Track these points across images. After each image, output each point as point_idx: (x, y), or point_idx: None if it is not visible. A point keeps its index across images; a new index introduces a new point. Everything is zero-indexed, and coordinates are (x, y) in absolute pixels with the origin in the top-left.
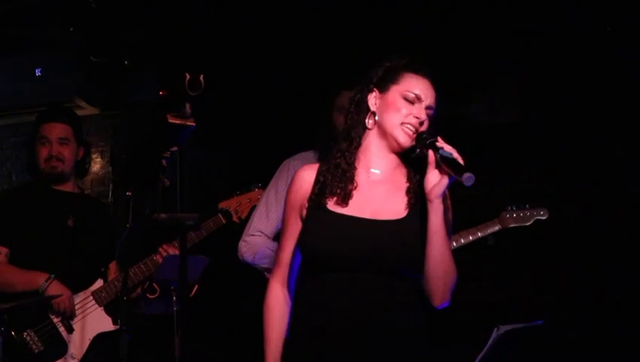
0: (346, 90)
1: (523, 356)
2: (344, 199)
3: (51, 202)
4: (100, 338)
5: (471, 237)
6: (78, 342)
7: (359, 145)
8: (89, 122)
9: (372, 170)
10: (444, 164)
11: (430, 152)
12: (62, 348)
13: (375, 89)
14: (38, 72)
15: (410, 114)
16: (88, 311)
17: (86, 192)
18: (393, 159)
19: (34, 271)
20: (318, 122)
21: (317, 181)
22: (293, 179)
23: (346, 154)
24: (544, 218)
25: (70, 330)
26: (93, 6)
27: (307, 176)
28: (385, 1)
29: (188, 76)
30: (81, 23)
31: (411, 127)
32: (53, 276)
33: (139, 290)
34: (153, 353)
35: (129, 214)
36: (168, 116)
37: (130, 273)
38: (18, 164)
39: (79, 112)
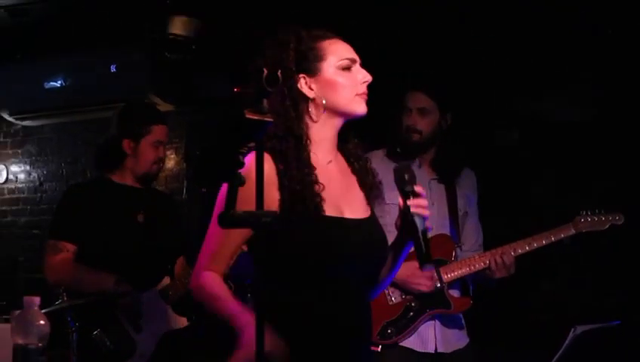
0: (415, 90)
1: (600, 357)
2: (321, 203)
3: (122, 198)
4: (169, 337)
5: (544, 242)
6: (146, 341)
7: (308, 139)
8: None
9: (326, 162)
10: (410, 233)
11: (400, 201)
12: (131, 347)
13: (302, 75)
14: (112, 69)
15: (357, 82)
16: (156, 309)
17: (157, 188)
18: (335, 144)
19: (102, 272)
20: (387, 121)
21: (282, 186)
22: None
23: (302, 154)
24: (620, 223)
25: (139, 329)
26: (169, 2)
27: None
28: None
29: (265, 71)
30: (156, 19)
31: (364, 94)
32: (121, 278)
33: None
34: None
35: (204, 210)
36: (245, 111)
37: None
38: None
39: None
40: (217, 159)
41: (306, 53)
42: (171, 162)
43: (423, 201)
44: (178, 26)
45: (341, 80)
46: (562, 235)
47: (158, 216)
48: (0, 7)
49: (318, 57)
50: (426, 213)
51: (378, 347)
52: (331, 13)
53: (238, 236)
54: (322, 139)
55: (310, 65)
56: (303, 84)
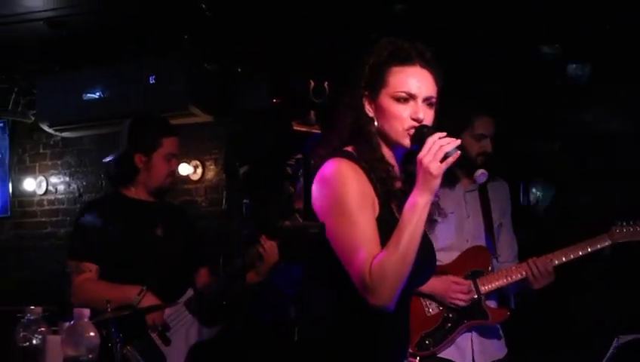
0: (488, 116)
1: None
2: (402, 207)
3: (138, 213)
4: (198, 348)
5: (580, 253)
6: (176, 354)
7: (379, 145)
8: (202, 130)
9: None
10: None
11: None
12: (161, 361)
13: (367, 94)
14: (151, 80)
15: (409, 117)
16: (183, 321)
17: (167, 201)
18: (396, 166)
19: (126, 285)
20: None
21: (372, 180)
22: (354, 174)
23: (377, 155)
24: None
25: (167, 342)
26: (208, 14)
27: (361, 171)
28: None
29: (312, 83)
30: (194, 30)
31: (413, 128)
32: (145, 287)
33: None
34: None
35: (246, 221)
36: (293, 123)
37: (230, 271)
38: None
39: (192, 120)
40: (265, 170)
41: (374, 74)
42: (211, 173)
43: (442, 135)
44: None
45: (392, 111)
46: (598, 246)
47: (176, 229)
48: (39, 20)
49: (381, 82)
50: (455, 142)
51: (416, 358)
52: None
53: (372, 213)
54: (386, 153)
55: (374, 86)
56: (366, 102)
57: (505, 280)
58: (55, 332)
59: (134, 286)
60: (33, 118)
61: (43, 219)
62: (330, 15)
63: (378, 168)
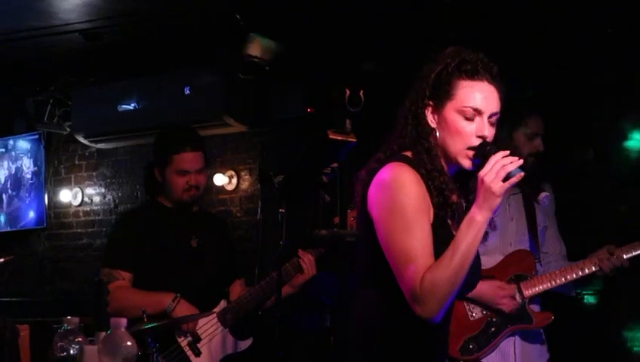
0: (537, 115)
1: None
2: (458, 220)
3: (174, 223)
4: (229, 361)
5: (624, 256)
6: None
7: (438, 156)
8: (237, 140)
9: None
10: (519, 184)
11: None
12: None
13: (431, 103)
14: (186, 91)
15: (473, 134)
16: (214, 332)
17: (207, 210)
18: (452, 180)
19: (160, 292)
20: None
21: (430, 190)
22: (413, 179)
23: (437, 165)
24: None
25: (197, 353)
26: (242, 24)
27: (420, 178)
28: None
29: (348, 92)
30: (229, 41)
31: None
32: (179, 295)
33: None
34: None
35: (282, 231)
36: (329, 132)
37: (262, 283)
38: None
39: (227, 130)
40: (301, 179)
41: (441, 84)
42: (245, 183)
43: (506, 154)
44: (254, 48)
45: (457, 126)
46: (625, 256)
47: (211, 240)
48: (75, 31)
49: (448, 94)
50: (518, 162)
51: None
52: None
53: (429, 221)
54: (446, 162)
55: (439, 98)
56: (429, 112)
57: (549, 284)
58: (92, 343)
59: (168, 294)
60: (68, 130)
61: (79, 230)
62: (364, 23)
63: (437, 178)
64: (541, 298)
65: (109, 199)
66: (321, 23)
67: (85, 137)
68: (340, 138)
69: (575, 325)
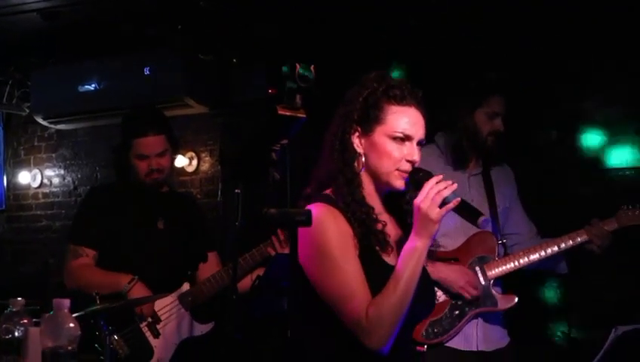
0: (498, 95)
1: None
2: (385, 247)
3: (141, 203)
4: (187, 344)
5: (579, 239)
6: (164, 347)
7: (360, 184)
8: (198, 121)
9: (379, 212)
10: (456, 210)
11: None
12: (148, 353)
13: (358, 128)
14: (146, 71)
15: (403, 158)
16: (174, 315)
17: (176, 190)
18: (381, 204)
19: (118, 273)
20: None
21: (351, 222)
22: (330, 218)
23: (356, 196)
24: None
25: (156, 335)
26: (202, 4)
27: (339, 214)
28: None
29: (298, 67)
30: (189, 21)
31: (406, 172)
32: (136, 277)
33: (247, 285)
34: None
35: (238, 211)
36: (278, 107)
37: (225, 269)
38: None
39: (188, 111)
40: (251, 157)
41: (369, 109)
42: (206, 164)
43: (439, 179)
44: None
45: (386, 149)
46: (607, 229)
47: (179, 222)
48: (32, 11)
49: (377, 119)
50: (452, 187)
51: (424, 347)
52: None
53: (356, 255)
54: (369, 193)
55: (367, 122)
56: (355, 137)
57: (512, 265)
58: (37, 325)
59: (125, 275)
60: (27, 111)
61: (38, 212)
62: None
63: (357, 210)
64: (502, 280)
65: (69, 181)
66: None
67: (45, 118)
68: (289, 113)
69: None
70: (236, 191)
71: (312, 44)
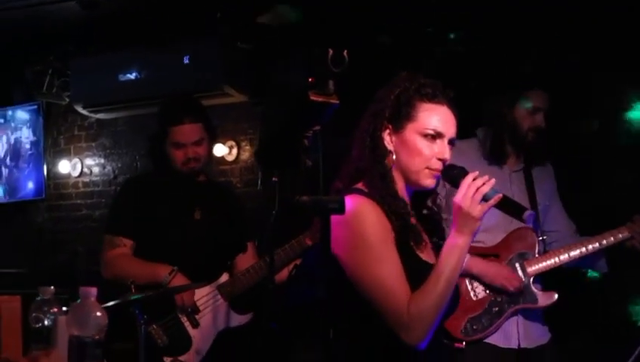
0: (540, 90)
1: None
2: (419, 243)
3: (179, 193)
4: (226, 335)
5: (621, 236)
6: (202, 338)
7: (393, 180)
8: (238, 109)
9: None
10: (498, 206)
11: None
12: (186, 342)
13: (389, 125)
14: (186, 60)
15: (434, 156)
16: (214, 305)
17: (213, 179)
18: (409, 196)
19: (157, 263)
20: (484, 111)
21: (388, 216)
22: (371, 210)
23: (391, 190)
24: None
25: (195, 325)
26: None
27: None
28: None
29: (331, 52)
30: (227, 9)
31: (437, 170)
32: (176, 268)
33: (284, 276)
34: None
35: (275, 200)
36: (310, 93)
37: (265, 259)
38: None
39: (227, 100)
40: (282, 144)
41: (400, 106)
42: (246, 153)
43: (476, 175)
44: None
45: (417, 147)
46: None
47: (216, 212)
48: (71, 0)
49: (409, 116)
50: (490, 183)
51: (462, 343)
52: None
53: (395, 248)
54: (400, 190)
55: (399, 119)
56: (386, 134)
57: (553, 262)
58: (67, 313)
59: (166, 266)
60: (67, 100)
61: (78, 202)
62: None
63: (392, 203)
64: (542, 277)
65: (109, 170)
66: None
67: (84, 107)
68: (321, 99)
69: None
70: (273, 179)
71: (347, 31)
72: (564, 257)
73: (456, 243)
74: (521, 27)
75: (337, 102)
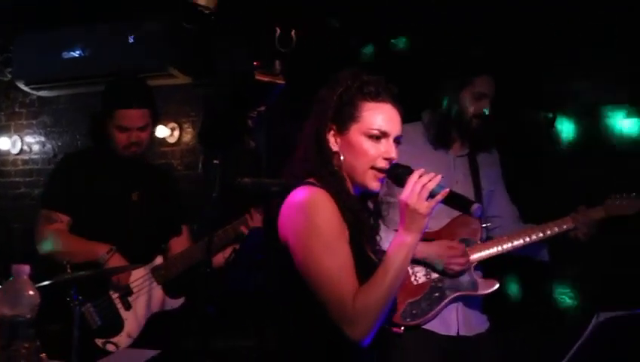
0: (486, 76)
1: (623, 345)
2: (370, 240)
3: (117, 174)
4: (157, 318)
5: (565, 226)
6: (134, 321)
7: (344, 178)
8: (181, 91)
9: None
10: (445, 201)
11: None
12: (118, 324)
13: (333, 126)
14: (131, 40)
15: (379, 155)
16: (147, 288)
17: (151, 162)
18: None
19: (95, 242)
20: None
21: (342, 211)
22: (327, 200)
23: (344, 186)
24: None
25: (128, 307)
26: None
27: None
28: None
29: (278, 31)
30: None
31: (382, 171)
32: (114, 248)
33: (219, 261)
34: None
35: (217, 183)
36: (256, 73)
37: (200, 243)
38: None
39: (171, 81)
40: (226, 124)
41: (343, 106)
42: (188, 136)
43: (422, 173)
44: None
45: (363, 147)
46: (594, 217)
47: (154, 194)
48: None
49: (352, 117)
50: (437, 179)
51: (401, 328)
52: None
53: (347, 243)
54: (350, 188)
55: (342, 120)
56: (331, 135)
57: (496, 250)
58: None
59: (104, 245)
60: (9, 76)
61: (17, 179)
62: None
63: (346, 199)
64: (483, 265)
65: (49, 148)
66: None
67: (27, 84)
68: (267, 79)
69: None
70: (215, 162)
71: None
72: (507, 246)
73: (404, 240)
74: (470, 13)
75: (283, 82)
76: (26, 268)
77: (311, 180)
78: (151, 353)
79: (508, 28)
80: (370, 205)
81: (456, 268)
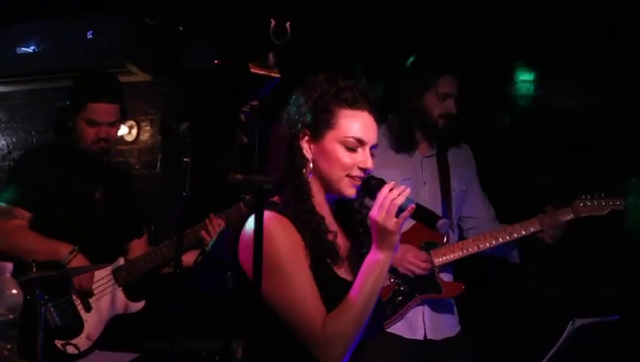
0: (452, 75)
1: (598, 351)
2: (336, 259)
3: (81, 171)
4: (117, 321)
5: (539, 226)
6: (94, 322)
7: (309, 191)
8: (140, 89)
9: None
10: (412, 216)
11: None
12: (78, 326)
13: (307, 132)
14: (89, 35)
15: (355, 164)
16: (107, 290)
17: (113, 160)
18: (330, 213)
19: (58, 241)
20: (395, 95)
21: (301, 232)
22: (280, 227)
23: (306, 205)
24: (620, 208)
25: (88, 309)
26: None
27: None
28: None
29: (273, 22)
30: None
31: (358, 179)
32: (77, 248)
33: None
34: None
35: (186, 182)
36: (250, 65)
37: (162, 246)
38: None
39: (130, 78)
40: (217, 116)
41: (318, 113)
42: (146, 134)
43: (392, 186)
44: None
45: (339, 156)
46: (561, 219)
47: (116, 194)
48: None
49: (328, 124)
50: (405, 192)
51: None
52: None
53: (307, 266)
54: (319, 202)
55: (317, 127)
56: (304, 142)
57: (460, 253)
58: None
59: (66, 245)
60: None
61: None
62: None
63: (307, 220)
64: (453, 267)
65: (3, 144)
66: None
67: None
68: (262, 72)
69: (490, 296)
70: (185, 160)
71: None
72: (472, 249)
73: (377, 258)
74: (435, 14)
75: (278, 76)
76: (9, 266)
77: (275, 198)
78: (129, 356)
79: (473, 29)
80: (356, 206)
81: (417, 271)
